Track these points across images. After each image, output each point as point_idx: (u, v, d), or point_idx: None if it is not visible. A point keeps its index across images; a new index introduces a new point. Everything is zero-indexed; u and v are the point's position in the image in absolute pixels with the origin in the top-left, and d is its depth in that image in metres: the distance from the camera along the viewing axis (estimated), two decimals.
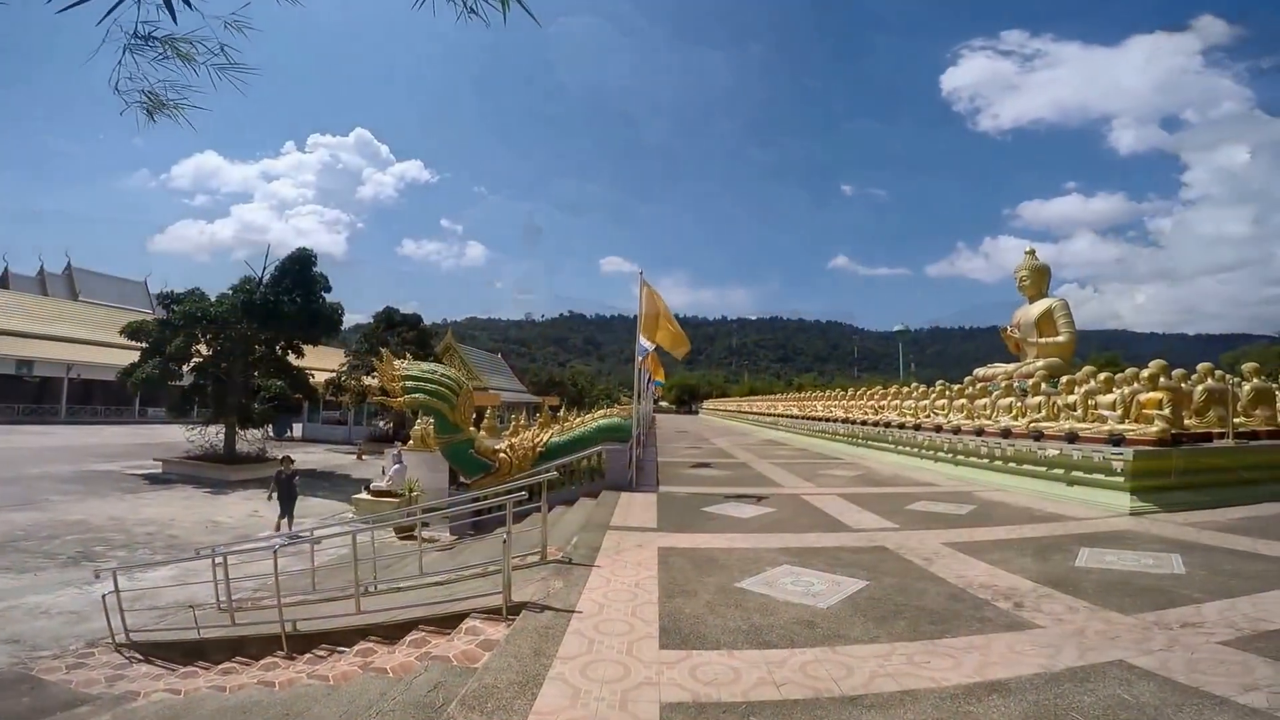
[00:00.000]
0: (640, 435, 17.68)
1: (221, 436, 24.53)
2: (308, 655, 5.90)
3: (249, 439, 25.05)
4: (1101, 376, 11.62)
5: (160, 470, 23.09)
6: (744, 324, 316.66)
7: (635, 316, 12.61)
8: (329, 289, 26.76)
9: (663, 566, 6.16)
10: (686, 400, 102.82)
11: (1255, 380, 11.76)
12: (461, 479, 12.11)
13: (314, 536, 7.93)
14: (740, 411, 51.17)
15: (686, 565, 6.25)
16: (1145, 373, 10.75)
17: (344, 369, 36.37)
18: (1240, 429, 10.72)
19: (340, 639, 5.88)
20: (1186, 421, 10.46)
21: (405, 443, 17.70)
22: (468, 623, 5.07)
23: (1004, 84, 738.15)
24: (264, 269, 26.02)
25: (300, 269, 26.05)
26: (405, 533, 12.43)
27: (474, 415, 12.52)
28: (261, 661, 6.13)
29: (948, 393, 16.65)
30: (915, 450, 16.10)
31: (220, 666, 6.46)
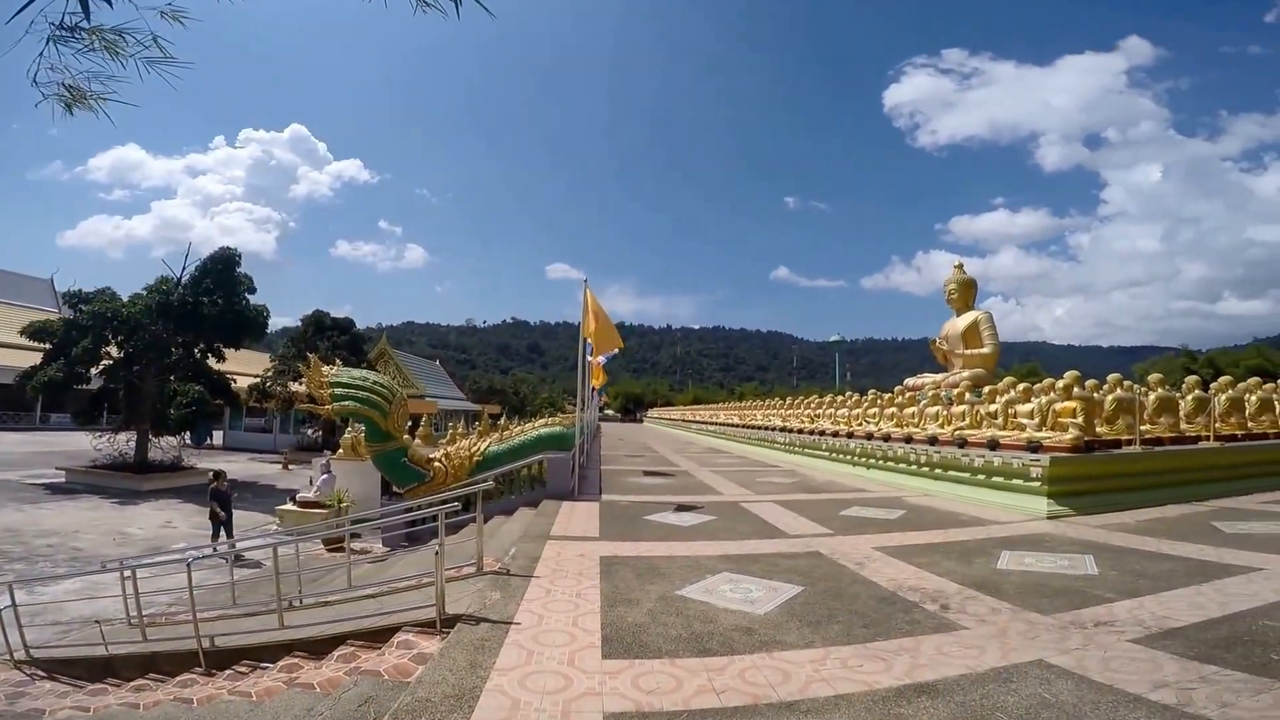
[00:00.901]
0: (584, 444, 17.60)
1: (132, 444, 23.09)
2: (228, 671, 5.64)
3: (163, 447, 23.68)
4: (1021, 387, 12.24)
5: (63, 479, 21.56)
6: (688, 333, 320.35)
7: (581, 323, 12.57)
8: (253, 290, 25.70)
9: (605, 576, 6.13)
10: (632, 408, 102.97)
11: (1159, 390, 12.65)
12: (394, 489, 11.76)
13: (233, 549, 7.55)
14: (684, 420, 51.67)
15: (629, 574, 6.23)
16: (1060, 383, 11.41)
17: (269, 374, 34.75)
18: (1146, 436, 11.49)
19: (263, 654, 5.64)
20: (1098, 429, 11.13)
21: (335, 452, 17.06)
22: (400, 636, 4.93)
23: (943, 101, 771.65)
24: (183, 268, 24.80)
25: (223, 269, 24.92)
26: (334, 545, 11.93)
27: (408, 423, 12.18)
28: (177, 678, 5.83)
29: (879, 402, 17.22)
30: (848, 457, 16.58)
31: (132, 683, 6.12)
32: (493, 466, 11.76)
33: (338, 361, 13.58)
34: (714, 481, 14.87)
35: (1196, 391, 13.04)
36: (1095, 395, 11.75)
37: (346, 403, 10.76)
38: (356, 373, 11.72)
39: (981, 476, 11.28)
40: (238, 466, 28.02)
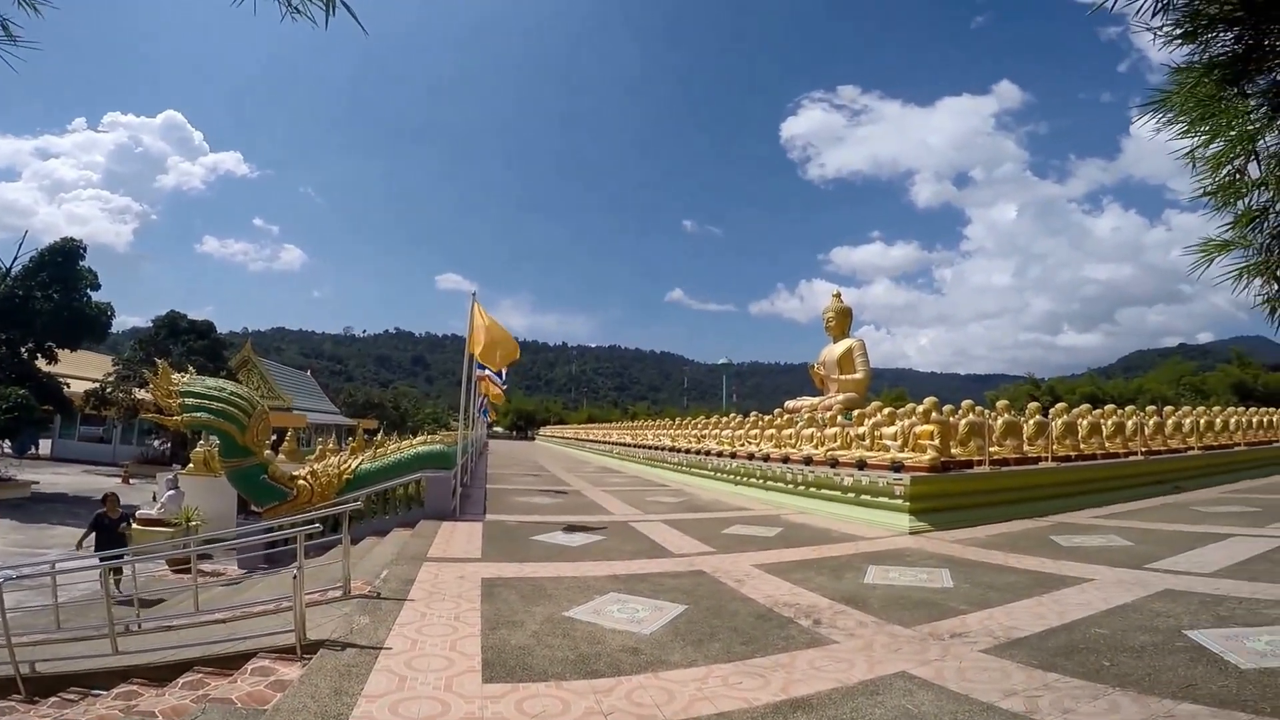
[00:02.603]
0: (469, 462, 16.99)
1: None
2: (53, 699, 5.10)
3: None
4: (885, 411, 13.16)
5: None
6: (584, 351, 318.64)
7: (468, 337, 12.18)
8: (97, 286, 23.23)
9: (487, 598, 5.94)
10: (523, 426, 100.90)
11: (1005, 415, 13.98)
12: (253, 507, 10.83)
13: (55, 568, 6.70)
14: (578, 438, 51.23)
15: (513, 596, 6.07)
16: (920, 408, 12.36)
17: (110, 379, 31.00)
18: (994, 457, 12.67)
19: (95, 681, 5.15)
20: (953, 450, 12.12)
21: (185, 466, 15.46)
22: (255, 662, 4.60)
23: (833, 136, 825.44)
24: (15, 258, 21.98)
25: (63, 261, 22.35)
26: (181, 566, 10.76)
27: (271, 438, 11.31)
28: None
29: (760, 423, 17.90)
30: (732, 477, 17.10)
31: None
32: (365, 485, 11.14)
33: (191, 369, 12.33)
34: (605, 501, 14.82)
35: (1037, 417, 14.53)
36: (950, 419, 12.83)
37: (199, 414, 9.82)
38: (212, 382, 10.82)
39: (851, 495, 11.96)
40: (68, 479, 24.90)
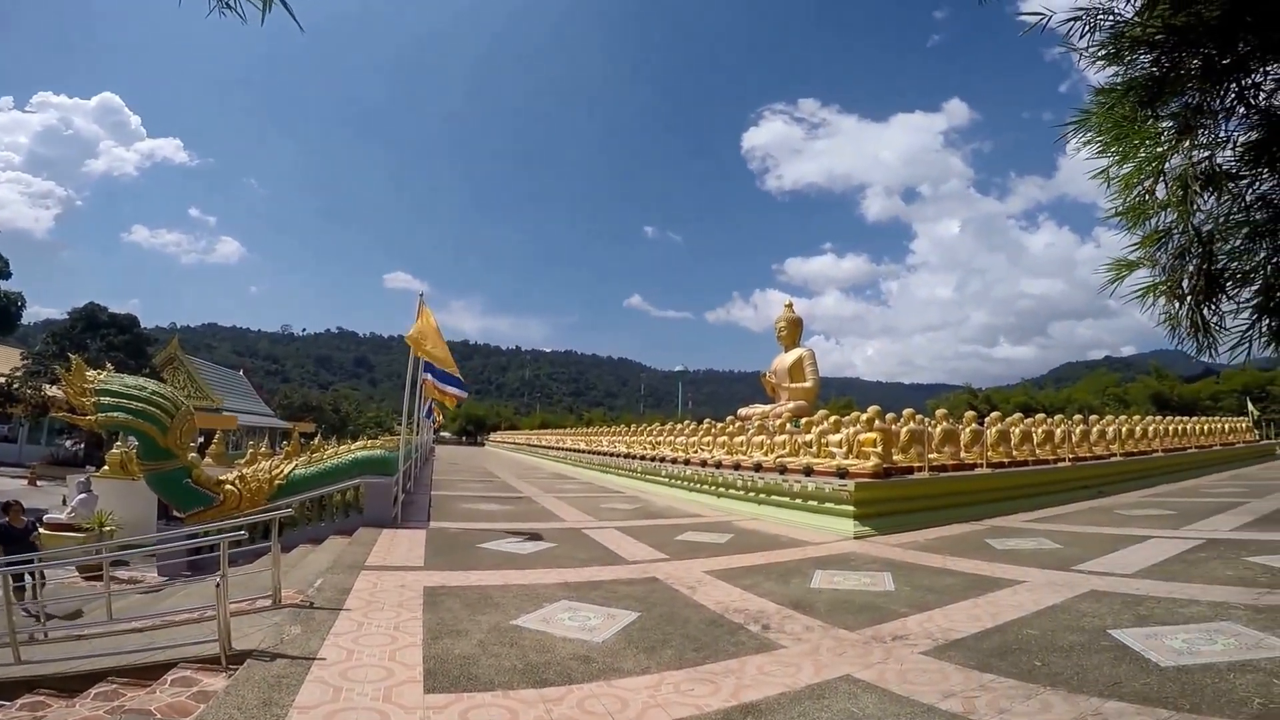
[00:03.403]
0: (414, 468, 16.50)
1: None
2: None
3: None
4: (831, 419, 13.41)
5: None
6: (539, 356, 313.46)
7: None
8: (7, 275, 21.56)
9: (429, 607, 5.76)
10: (472, 431, 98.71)
11: (943, 424, 14.46)
12: (175, 513, 10.26)
13: None
14: (530, 444, 50.49)
15: (457, 605, 5.90)
16: (864, 416, 12.64)
17: (17, 374, 28.85)
18: (934, 463, 13.07)
19: None
20: (895, 457, 12.42)
21: (99, 468, 14.53)
22: (176, 673, 4.38)
23: (792, 148, 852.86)
24: None
25: None
26: (93, 573, 10.05)
27: (198, 440, 10.73)
28: None
29: (712, 430, 18.04)
30: (686, 483, 17.13)
31: None
32: (299, 491, 10.70)
33: (109, 365, 11.62)
34: (557, 508, 14.62)
35: (973, 425, 15.08)
36: (893, 427, 13.15)
37: (116, 414, 9.22)
38: (131, 380, 10.22)
39: (799, 501, 12.13)
40: None
